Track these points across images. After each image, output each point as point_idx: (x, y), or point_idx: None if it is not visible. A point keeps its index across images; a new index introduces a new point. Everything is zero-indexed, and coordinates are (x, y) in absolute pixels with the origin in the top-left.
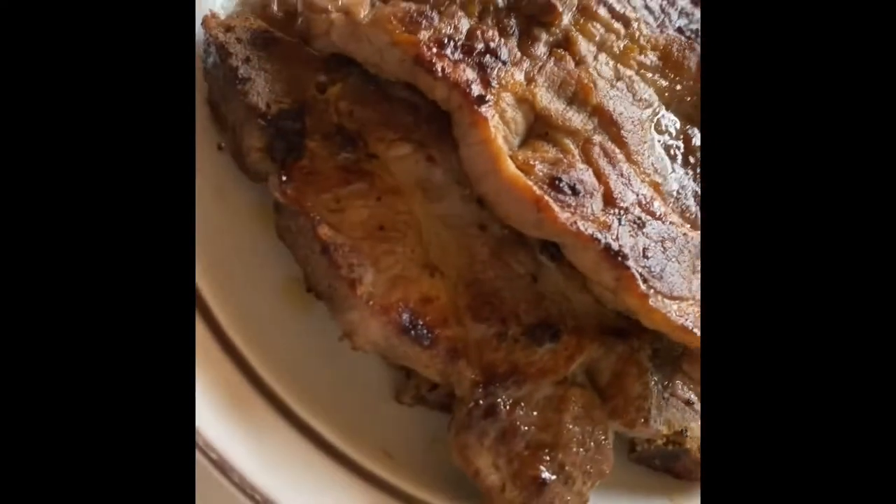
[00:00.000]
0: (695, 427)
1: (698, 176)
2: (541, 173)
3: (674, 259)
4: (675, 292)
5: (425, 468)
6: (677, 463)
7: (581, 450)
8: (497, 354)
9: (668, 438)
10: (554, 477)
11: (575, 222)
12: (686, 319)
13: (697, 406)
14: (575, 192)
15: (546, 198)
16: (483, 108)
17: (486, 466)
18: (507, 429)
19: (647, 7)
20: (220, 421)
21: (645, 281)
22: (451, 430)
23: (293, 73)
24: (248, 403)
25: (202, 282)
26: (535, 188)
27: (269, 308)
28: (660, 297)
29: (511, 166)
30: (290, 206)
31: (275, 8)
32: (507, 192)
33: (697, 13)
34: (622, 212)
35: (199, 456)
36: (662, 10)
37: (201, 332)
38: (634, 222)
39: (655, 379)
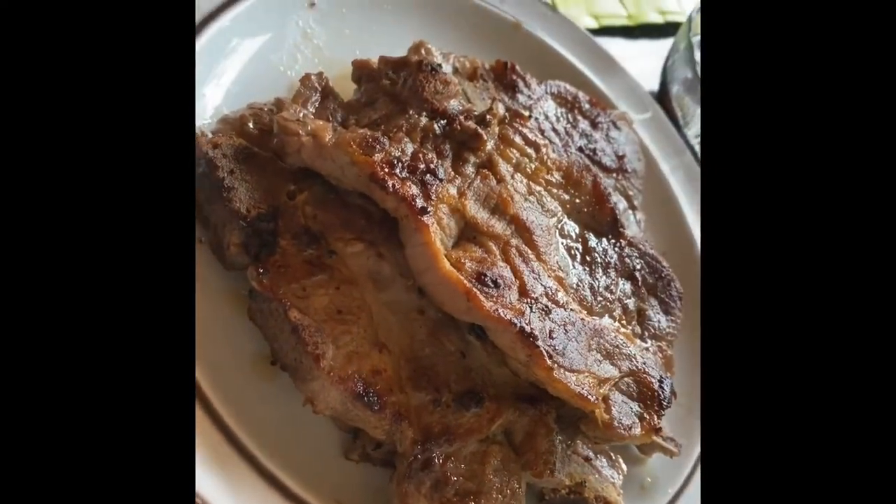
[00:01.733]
0: (592, 479)
1: (594, 271)
2: (470, 269)
3: (574, 339)
4: (575, 366)
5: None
6: None
7: (500, 496)
8: (433, 417)
9: (570, 489)
10: None
11: (497, 310)
12: (583, 388)
13: (595, 462)
14: (496, 285)
15: (474, 290)
16: (425, 217)
17: None
18: (440, 478)
19: (554, 130)
20: (205, 474)
21: (550, 357)
22: (392, 481)
23: (268, 182)
24: (227, 460)
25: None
26: (465, 282)
27: (242, 378)
28: (562, 371)
29: (446, 264)
30: (265, 293)
31: (251, 126)
32: (443, 285)
33: (596, 134)
34: (533, 301)
35: None
36: (567, 133)
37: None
38: (543, 310)
39: (560, 438)
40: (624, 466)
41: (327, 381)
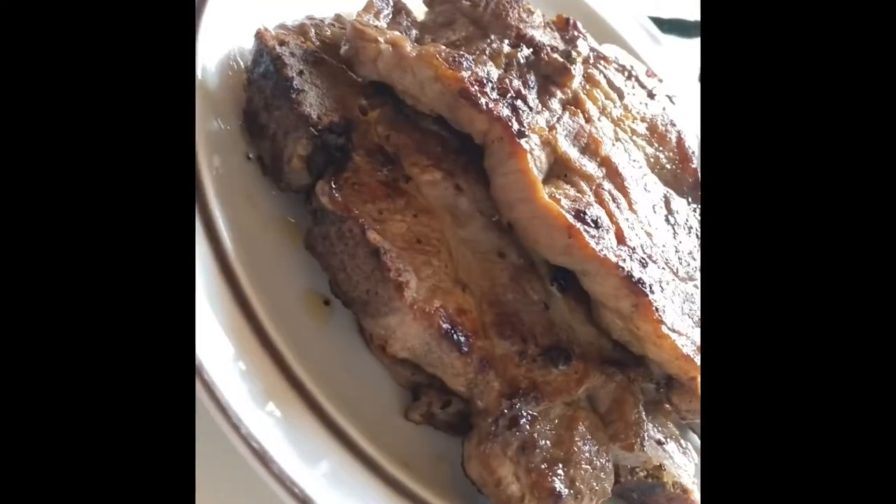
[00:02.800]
0: (668, 464)
1: (676, 234)
2: (567, 206)
3: (670, 299)
4: (677, 327)
5: (435, 484)
6: (652, 497)
7: (588, 467)
8: (519, 371)
9: (649, 472)
10: (567, 491)
11: (602, 250)
12: (687, 348)
13: (667, 446)
14: (597, 225)
15: (577, 225)
16: (522, 141)
17: (508, 476)
18: (528, 441)
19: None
20: (258, 412)
21: (656, 310)
22: (471, 440)
23: (340, 93)
24: (284, 398)
25: (245, 279)
26: (567, 216)
27: (292, 315)
28: (670, 330)
29: (545, 195)
30: (338, 212)
31: (313, 36)
32: (539, 219)
33: (653, 105)
34: (631, 250)
35: (240, 445)
36: (626, 79)
37: (241, 324)
38: (641, 261)
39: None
40: (695, 456)
41: (409, 315)
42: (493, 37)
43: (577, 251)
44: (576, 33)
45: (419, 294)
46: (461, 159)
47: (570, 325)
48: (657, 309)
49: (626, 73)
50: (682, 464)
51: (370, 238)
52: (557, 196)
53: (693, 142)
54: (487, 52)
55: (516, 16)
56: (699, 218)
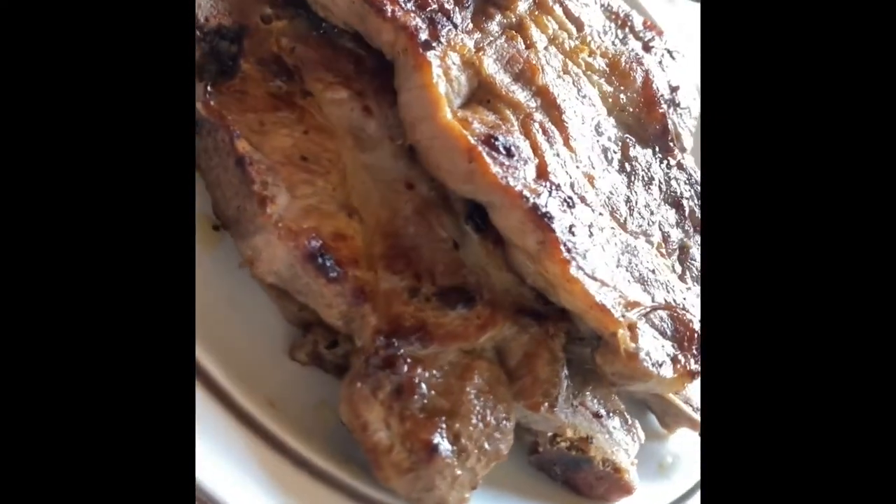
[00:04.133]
0: (600, 439)
1: (632, 183)
2: (478, 130)
3: (599, 246)
4: (598, 275)
5: (309, 427)
6: (579, 473)
7: (480, 424)
8: (406, 308)
9: (573, 443)
10: (448, 446)
11: (506, 178)
12: (605, 300)
13: (605, 420)
14: (510, 154)
15: (479, 148)
16: (428, 54)
17: (376, 421)
18: (405, 385)
19: (622, 32)
20: None
21: (568, 251)
22: (346, 380)
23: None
24: None
25: None
26: (469, 138)
27: None
28: (582, 273)
29: (448, 113)
30: (211, 119)
31: None
32: (441, 139)
33: (647, 58)
34: (554, 187)
35: None
36: (619, 27)
37: None
38: (565, 201)
39: (568, 381)
40: (641, 434)
41: (274, 234)
42: None
43: (478, 178)
44: None
45: (288, 212)
46: (377, 81)
47: (485, 269)
48: (567, 248)
49: (619, 23)
50: (622, 441)
51: (238, 146)
52: (470, 119)
53: (688, 93)
54: None
55: None
56: (666, 170)
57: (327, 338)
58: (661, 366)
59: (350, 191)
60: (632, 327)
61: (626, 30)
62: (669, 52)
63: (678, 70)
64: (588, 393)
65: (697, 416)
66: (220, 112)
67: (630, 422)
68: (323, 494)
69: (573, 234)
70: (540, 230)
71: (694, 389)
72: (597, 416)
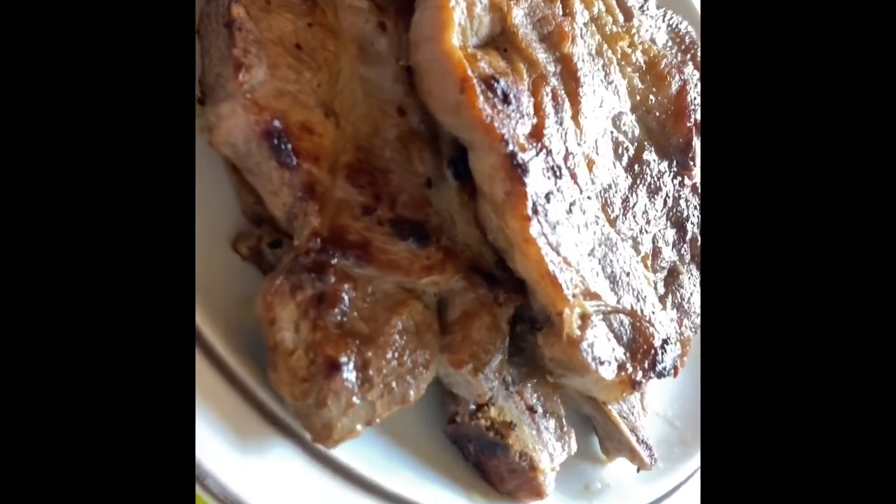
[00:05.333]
0: (525, 431)
1: (636, 186)
2: (482, 68)
3: (574, 226)
4: (562, 251)
5: (230, 321)
6: (492, 459)
7: (395, 362)
8: (354, 223)
9: (494, 424)
10: (353, 371)
11: (492, 118)
12: (560, 275)
13: (538, 417)
14: (506, 100)
15: (474, 82)
16: None
17: (286, 321)
18: (328, 296)
19: (660, 26)
20: None
21: (535, 211)
22: (269, 275)
23: None
24: None
25: None
26: (467, 69)
27: None
28: (544, 239)
29: (453, 39)
30: None
31: None
32: (438, 63)
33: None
34: (544, 150)
35: None
36: (672, 37)
37: None
38: (552, 167)
39: (510, 368)
40: (573, 445)
41: (239, 103)
42: None
43: (464, 111)
44: None
45: (262, 88)
46: (401, 2)
47: (453, 217)
48: (534, 208)
49: (681, 46)
50: (549, 444)
51: (232, 9)
52: (478, 58)
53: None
54: None
55: None
56: (678, 188)
57: (273, 236)
58: (602, 364)
59: (336, 95)
60: (584, 317)
61: (687, 56)
62: None
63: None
64: (530, 385)
65: (640, 449)
66: None
67: (565, 429)
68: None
69: (547, 200)
70: (510, 180)
71: (645, 421)
72: (531, 409)
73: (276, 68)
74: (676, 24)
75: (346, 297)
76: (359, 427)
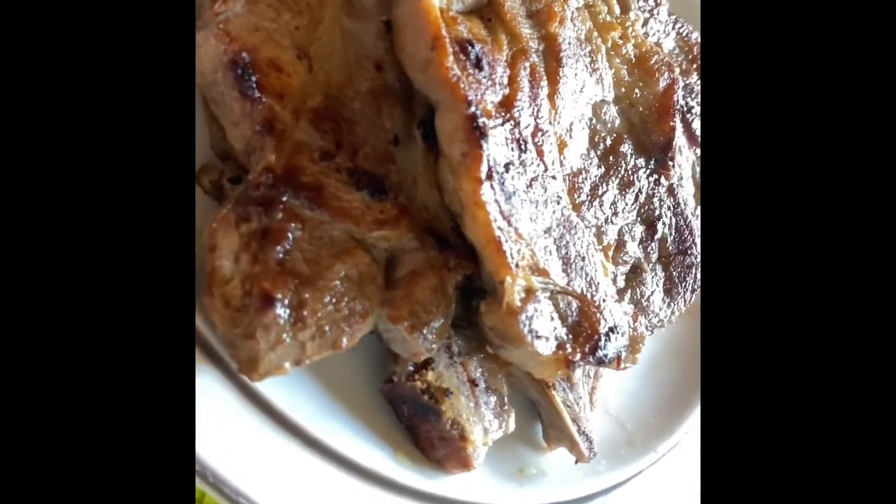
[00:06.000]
0: (461, 401)
1: (608, 177)
2: (459, 32)
3: (530, 202)
4: (514, 222)
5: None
6: (424, 424)
7: (331, 306)
8: (310, 166)
9: (430, 388)
10: (287, 309)
11: (459, 78)
12: (507, 244)
13: (478, 391)
14: (478, 65)
15: (445, 41)
16: None
17: (226, 249)
18: (273, 231)
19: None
20: None
21: (489, 176)
22: (222, 205)
23: None
24: None
25: None
26: (441, 28)
27: None
28: (496, 207)
29: (436, 0)
30: None
31: None
32: (415, 19)
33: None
34: (512, 121)
35: None
36: (676, 37)
37: None
38: (517, 139)
39: (458, 341)
40: (511, 425)
41: (212, 32)
42: None
43: (433, 69)
44: None
45: (237, 20)
46: None
47: (415, 178)
48: (489, 173)
49: (688, 54)
50: (486, 419)
51: None
52: (459, 22)
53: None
54: None
55: None
56: (653, 185)
57: (235, 172)
58: (539, 339)
59: (314, 41)
60: (529, 290)
61: (693, 64)
62: None
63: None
64: (476, 359)
65: (579, 440)
66: None
67: (505, 408)
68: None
69: (506, 169)
70: (468, 142)
71: (592, 416)
72: (472, 382)
73: (254, 4)
74: (687, 33)
75: (291, 236)
76: (286, 365)
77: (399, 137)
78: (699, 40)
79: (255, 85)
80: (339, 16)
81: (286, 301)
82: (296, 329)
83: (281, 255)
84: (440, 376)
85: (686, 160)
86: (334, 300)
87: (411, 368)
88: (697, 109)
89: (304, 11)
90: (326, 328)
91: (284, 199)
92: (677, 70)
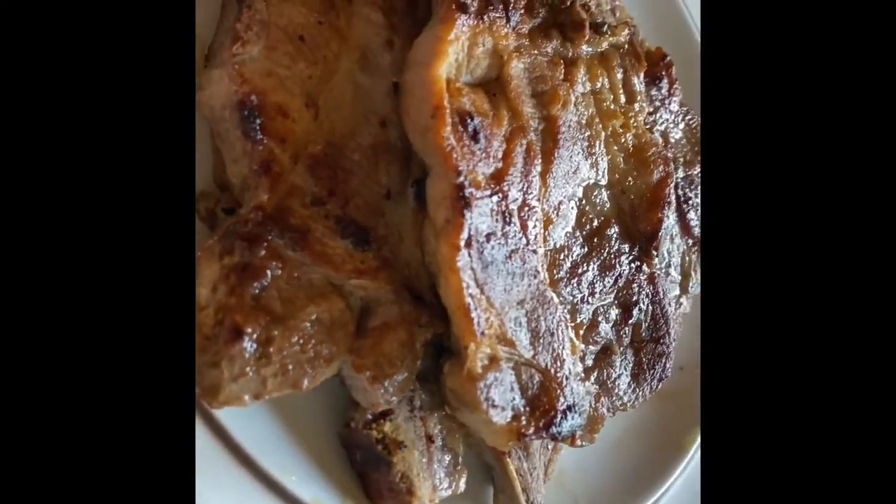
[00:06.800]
0: (415, 455)
1: (590, 258)
2: (462, 104)
3: (507, 274)
4: (487, 291)
5: None
6: (374, 473)
7: (298, 347)
8: (300, 209)
9: (385, 439)
10: (254, 344)
11: (453, 148)
12: (477, 312)
13: (433, 448)
14: (475, 138)
15: (447, 112)
16: (460, 16)
17: (206, 278)
18: (254, 267)
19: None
20: None
21: (468, 244)
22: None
23: None
24: None
25: None
26: (444, 99)
27: None
28: (471, 274)
29: (441, 69)
30: None
31: None
32: (420, 87)
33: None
34: (500, 194)
35: None
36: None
37: None
38: (503, 212)
39: (420, 391)
40: (461, 486)
41: (227, 71)
42: None
43: (430, 135)
44: (663, 73)
45: (252, 63)
46: (416, 29)
47: (402, 233)
48: (468, 241)
49: (694, 146)
50: (436, 476)
51: None
52: (464, 93)
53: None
54: None
55: None
56: (633, 272)
57: (230, 201)
58: (495, 407)
59: (325, 91)
60: (494, 359)
61: (694, 143)
62: None
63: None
64: (437, 416)
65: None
66: None
67: (458, 468)
68: None
69: (487, 239)
70: (452, 209)
71: (546, 486)
72: (429, 438)
73: (272, 50)
74: (696, 125)
75: (270, 274)
76: (246, 397)
77: (392, 193)
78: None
79: (258, 127)
80: (354, 69)
81: (255, 336)
82: (260, 364)
83: (257, 291)
84: (397, 428)
85: (677, 248)
86: (301, 341)
87: (370, 417)
88: (695, 201)
89: (319, 62)
90: (290, 367)
91: (269, 237)
92: (673, 165)
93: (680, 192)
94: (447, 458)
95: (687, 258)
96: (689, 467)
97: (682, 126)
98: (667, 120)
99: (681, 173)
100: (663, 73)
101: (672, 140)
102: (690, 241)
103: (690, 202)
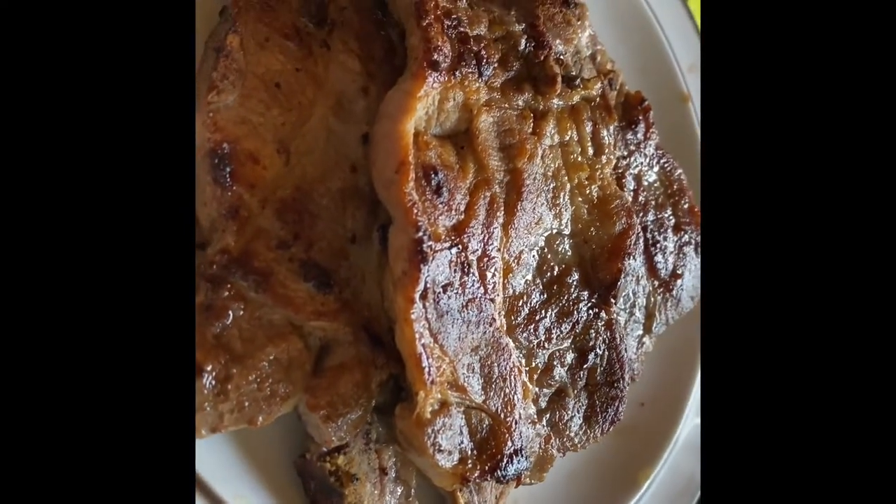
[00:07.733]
0: (367, 487)
1: (549, 305)
2: (427, 158)
3: (462, 322)
4: (441, 339)
5: None
6: (326, 503)
7: (255, 385)
8: (265, 252)
9: (338, 471)
10: (213, 381)
11: (414, 203)
12: (429, 361)
13: (386, 480)
14: (437, 192)
15: (411, 168)
16: (431, 73)
17: None
18: (216, 308)
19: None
20: None
21: (423, 297)
22: None
23: None
24: None
25: None
26: (409, 155)
27: None
28: (425, 325)
29: (409, 125)
30: (230, 10)
31: None
32: (388, 141)
33: (672, 237)
34: (460, 245)
35: None
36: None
37: None
38: (461, 263)
39: (375, 424)
40: None
41: (200, 119)
42: (513, 12)
43: (394, 189)
44: (640, 118)
45: (226, 111)
46: (392, 77)
47: (364, 276)
48: (424, 294)
49: (667, 190)
50: None
51: (227, 39)
52: (431, 147)
53: (689, 288)
54: (490, 17)
55: (548, 13)
56: (591, 319)
57: (200, 239)
58: (441, 452)
59: (298, 136)
60: (444, 404)
61: (669, 201)
62: (698, 245)
63: (694, 266)
64: (392, 449)
65: None
66: (240, 9)
67: (410, 499)
68: None
69: (444, 290)
70: (409, 262)
71: None
72: (382, 470)
73: (247, 98)
74: (671, 169)
75: (231, 314)
76: (203, 431)
77: (357, 236)
78: (682, 177)
79: (228, 175)
80: (328, 115)
81: (214, 373)
82: (218, 400)
83: (219, 330)
84: (351, 461)
85: (642, 290)
86: (259, 380)
87: (325, 449)
88: (664, 245)
89: (294, 108)
90: (246, 404)
91: (233, 279)
92: (638, 216)
93: (649, 235)
94: (399, 489)
95: (652, 299)
96: (641, 503)
97: (656, 169)
98: (641, 163)
99: (651, 216)
100: (640, 117)
101: (645, 183)
102: (656, 283)
103: (658, 245)
